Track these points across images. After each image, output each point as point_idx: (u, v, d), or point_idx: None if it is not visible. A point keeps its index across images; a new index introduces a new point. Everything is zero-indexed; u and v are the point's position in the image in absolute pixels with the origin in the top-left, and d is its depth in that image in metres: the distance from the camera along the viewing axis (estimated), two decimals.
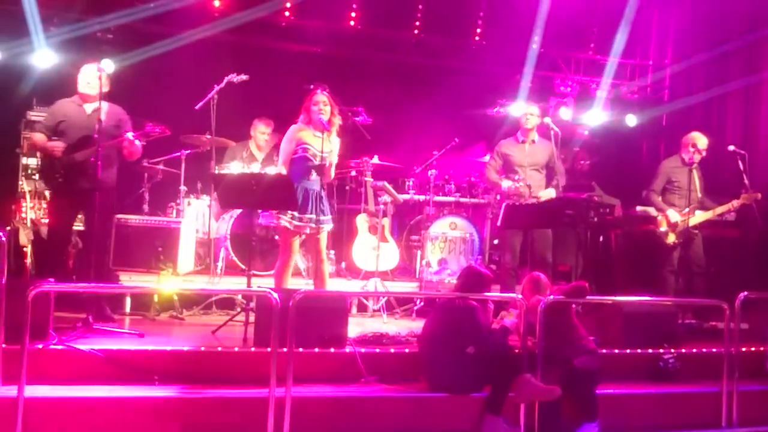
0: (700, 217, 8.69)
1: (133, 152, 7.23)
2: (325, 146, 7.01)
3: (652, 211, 9.05)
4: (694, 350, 7.28)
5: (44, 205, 8.38)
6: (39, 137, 7.15)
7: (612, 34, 11.45)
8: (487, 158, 10.15)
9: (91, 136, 6.92)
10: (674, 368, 6.89)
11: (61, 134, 7.10)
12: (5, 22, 9.64)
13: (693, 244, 8.75)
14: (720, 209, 8.69)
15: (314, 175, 7.03)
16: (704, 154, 8.73)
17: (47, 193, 8.26)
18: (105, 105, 7.12)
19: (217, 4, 10.55)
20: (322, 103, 7.08)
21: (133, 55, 9.41)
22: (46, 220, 8.11)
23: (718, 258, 9.14)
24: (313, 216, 7.01)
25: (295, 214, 6.98)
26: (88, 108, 7.15)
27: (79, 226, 7.81)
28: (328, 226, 7.23)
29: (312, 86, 7.34)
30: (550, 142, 8.40)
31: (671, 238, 8.67)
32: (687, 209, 8.58)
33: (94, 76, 7.02)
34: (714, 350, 7.16)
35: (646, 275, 9.43)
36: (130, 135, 7.07)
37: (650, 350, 7.01)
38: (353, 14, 11.19)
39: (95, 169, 6.74)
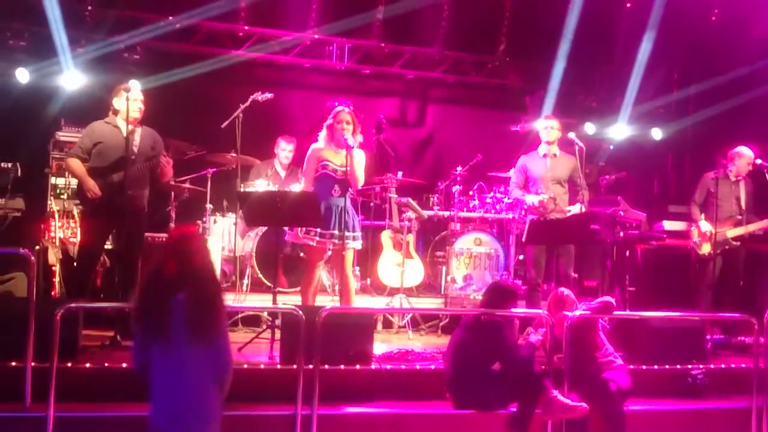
0: (736, 231, 8.64)
1: (168, 172, 7.35)
2: (345, 161, 7.06)
3: (668, 224, 9.08)
4: (723, 366, 7.23)
5: (72, 225, 8.44)
6: (76, 164, 7.16)
7: (636, 47, 11.41)
8: (511, 173, 10.15)
9: (130, 158, 7.01)
10: (703, 384, 6.84)
11: (97, 156, 7.16)
12: (33, 44, 9.78)
13: (734, 258, 8.70)
14: (753, 226, 8.64)
15: (337, 190, 7.08)
16: (750, 167, 8.71)
17: (76, 212, 8.35)
18: (140, 129, 7.23)
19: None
20: (345, 122, 7.14)
21: (160, 76, 9.50)
22: (75, 240, 8.18)
23: (746, 272, 9.06)
24: (337, 232, 7.05)
25: (319, 230, 7.04)
26: (125, 130, 7.21)
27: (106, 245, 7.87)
28: (354, 243, 7.27)
29: (337, 103, 7.39)
30: (573, 156, 8.38)
31: (705, 249, 8.61)
32: (725, 224, 8.53)
33: (133, 99, 7.10)
34: (743, 365, 7.11)
35: (673, 290, 9.37)
36: (164, 159, 7.20)
37: (678, 366, 6.96)
38: (378, 30, 11.22)
39: (131, 191, 6.93)
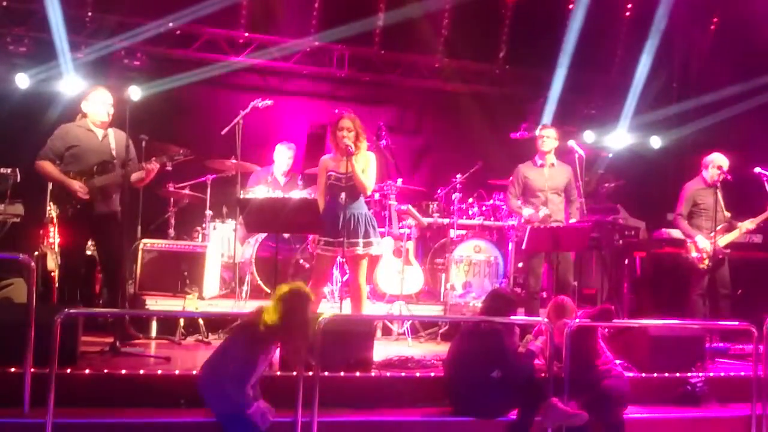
0: (728, 237, 8.63)
1: (148, 179, 7.32)
2: (348, 168, 7.06)
3: (673, 232, 9.04)
4: (722, 374, 7.23)
5: None
6: (50, 167, 7.12)
7: (636, 56, 11.43)
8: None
9: (110, 162, 7.00)
10: (702, 392, 6.82)
11: (72, 159, 7.13)
12: (33, 50, 9.79)
13: (721, 267, 8.68)
14: (745, 224, 8.63)
15: (343, 198, 7.08)
16: (726, 174, 8.67)
17: (54, 216, 8.35)
18: (111, 130, 7.21)
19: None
20: (346, 129, 7.14)
21: (160, 82, 9.51)
22: None
23: (746, 280, 9.06)
24: (344, 240, 7.04)
25: (326, 239, 7.03)
26: (99, 133, 7.21)
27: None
28: (368, 249, 7.22)
29: (337, 111, 7.40)
30: (569, 166, 8.40)
31: (705, 263, 8.58)
32: (714, 232, 8.50)
33: (110, 103, 7.11)
34: (742, 374, 7.10)
35: (672, 298, 9.36)
36: (155, 165, 7.14)
37: (677, 374, 6.95)
38: (377, 38, 11.25)
39: (111, 195, 6.95)
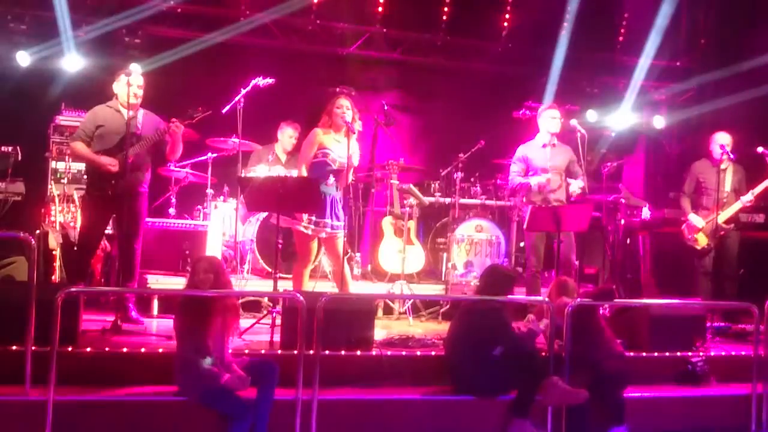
0: (727, 212, 8.61)
1: (176, 146, 7.24)
2: (345, 150, 7.05)
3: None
4: (723, 353, 7.23)
5: (72, 209, 8.43)
6: (82, 147, 7.09)
7: (639, 34, 11.37)
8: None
9: (131, 140, 6.96)
10: (703, 371, 6.83)
11: (99, 139, 7.10)
12: (34, 28, 9.76)
13: (727, 245, 8.68)
14: (744, 198, 8.61)
15: (332, 180, 7.10)
16: (730, 154, 8.65)
17: (76, 196, 8.34)
18: (142, 111, 7.18)
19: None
20: (345, 107, 7.12)
21: (160, 58, 9.48)
22: (74, 224, 8.17)
23: (747, 260, 9.05)
24: (329, 221, 7.08)
25: (313, 218, 7.04)
26: (126, 114, 7.15)
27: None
28: (342, 232, 7.33)
29: (338, 89, 7.36)
30: (568, 146, 8.37)
31: (702, 242, 8.59)
32: (714, 212, 8.49)
33: (138, 84, 7.06)
34: (743, 353, 7.11)
35: (673, 277, 9.36)
36: (179, 125, 7.07)
37: (678, 353, 6.96)
38: (379, 16, 11.20)
39: (133, 172, 6.92)
